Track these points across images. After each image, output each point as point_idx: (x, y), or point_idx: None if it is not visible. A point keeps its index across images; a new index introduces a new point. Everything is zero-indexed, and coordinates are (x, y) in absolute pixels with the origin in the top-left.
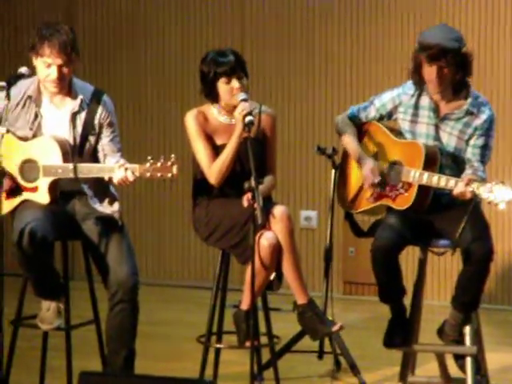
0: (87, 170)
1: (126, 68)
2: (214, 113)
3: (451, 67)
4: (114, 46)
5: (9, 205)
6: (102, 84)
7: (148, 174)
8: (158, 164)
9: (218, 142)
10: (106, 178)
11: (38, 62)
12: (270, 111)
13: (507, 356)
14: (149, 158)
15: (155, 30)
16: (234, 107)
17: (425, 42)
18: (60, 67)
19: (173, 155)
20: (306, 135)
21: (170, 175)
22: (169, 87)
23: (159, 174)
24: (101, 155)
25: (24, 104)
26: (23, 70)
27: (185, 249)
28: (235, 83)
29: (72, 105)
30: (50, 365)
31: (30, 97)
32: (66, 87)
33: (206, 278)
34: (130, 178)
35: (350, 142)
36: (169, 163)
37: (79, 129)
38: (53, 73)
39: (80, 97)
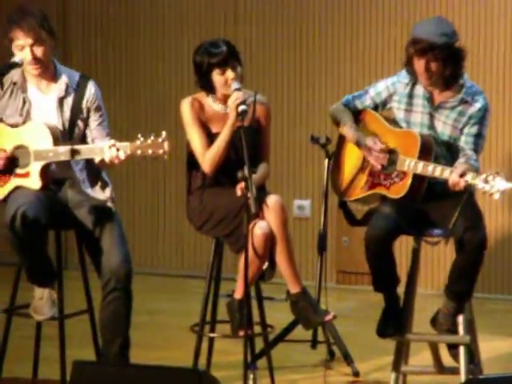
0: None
1: (120, 54)
2: (210, 101)
3: (439, 62)
4: (107, 30)
5: (1, 192)
6: (96, 70)
7: (139, 152)
8: (149, 141)
9: (213, 130)
10: (97, 159)
11: (14, 48)
12: (264, 100)
13: (500, 345)
14: (139, 135)
15: (149, 14)
16: (229, 96)
17: (414, 36)
18: (32, 47)
19: (164, 132)
20: (299, 124)
21: (161, 151)
22: (162, 70)
23: (150, 151)
24: (89, 140)
25: (11, 91)
26: (16, 59)
27: (178, 238)
28: (230, 74)
29: (58, 90)
30: (43, 354)
31: (14, 83)
32: (49, 71)
33: (199, 268)
34: (122, 156)
35: (348, 127)
36: (160, 140)
37: (67, 114)
38: (27, 54)
39: (65, 81)
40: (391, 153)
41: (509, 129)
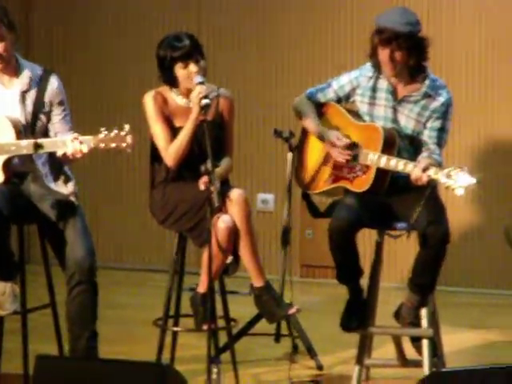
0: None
1: (83, 48)
2: (173, 95)
3: (403, 51)
4: (71, 25)
5: None
6: (59, 64)
7: (102, 145)
8: (112, 134)
9: (177, 124)
10: (60, 153)
11: None
12: (228, 94)
13: (463, 338)
14: (102, 129)
15: (112, 8)
16: (192, 90)
17: (379, 25)
18: None
19: (127, 125)
20: (262, 118)
21: (124, 145)
22: (125, 64)
23: (113, 145)
24: (52, 134)
25: None
26: None
27: (142, 232)
28: (192, 67)
29: (21, 84)
30: (5, 348)
31: None
32: (11, 66)
33: (163, 262)
34: (84, 149)
35: (310, 121)
36: (123, 133)
37: (30, 107)
38: None
39: (28, 74)
40: (354, 146)
41: (471, 122)
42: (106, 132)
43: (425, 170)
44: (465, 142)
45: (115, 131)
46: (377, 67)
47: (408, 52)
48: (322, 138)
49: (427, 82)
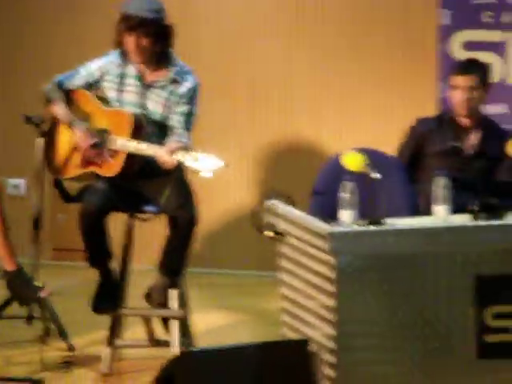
0: None
1: None
2: None
3: (149, 38)
4: None
5: None
6: None
7: None
8: None
9: None
10: None
11: None
12: None
13: (211, 317)
14: None
15: None
16: None
17: (124, 12)
18: None
19: None
20: (10, 102)
21: None
22: None
23: None
24: None
25: None
26: None
27: None
28: None
29: None
30: None
31: None
32: None
33: None
34: None
35: (59, 108)
36: None
37: None
38: None
39: None
40: (103, 132)
41: (216, 104)
42: None
43: (172, 153)
44: (214, 126)
45: None
46: (124, 55)
47: (154, 38)
48: (71, 127)
49: (174, 67)
